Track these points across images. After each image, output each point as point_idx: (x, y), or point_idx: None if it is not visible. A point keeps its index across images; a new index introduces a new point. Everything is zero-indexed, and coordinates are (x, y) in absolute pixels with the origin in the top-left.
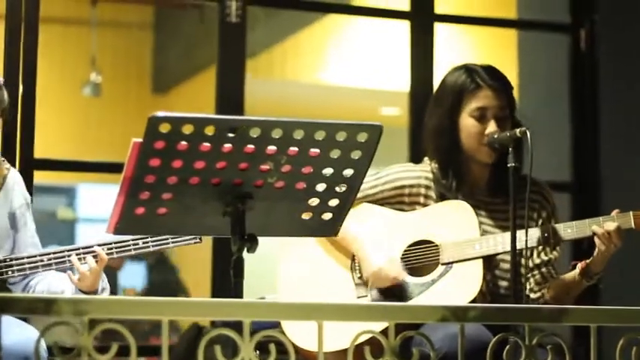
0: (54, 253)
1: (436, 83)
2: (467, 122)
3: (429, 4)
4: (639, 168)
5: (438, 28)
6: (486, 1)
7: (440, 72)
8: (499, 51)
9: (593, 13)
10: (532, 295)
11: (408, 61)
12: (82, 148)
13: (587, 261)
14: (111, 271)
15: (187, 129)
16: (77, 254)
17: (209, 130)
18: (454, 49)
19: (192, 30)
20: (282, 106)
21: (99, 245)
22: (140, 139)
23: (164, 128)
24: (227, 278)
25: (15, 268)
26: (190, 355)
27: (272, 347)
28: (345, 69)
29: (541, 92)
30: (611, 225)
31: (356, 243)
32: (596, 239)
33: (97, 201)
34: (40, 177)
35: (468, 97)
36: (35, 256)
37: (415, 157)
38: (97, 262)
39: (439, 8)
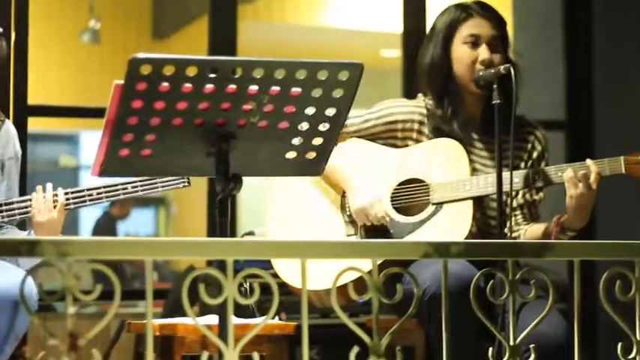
0: (21, 200)
1: (429, 25)
2: (459, 50)
3: None
4: (633, 107)
5: None
6: None
7: (432, 13)
8: None
9: None
10: (509, 234)
11: (400, 2)
12: (82, 95)
13: (564, 215)
14: (118, 218)
15: (168, 70)
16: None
17: (190, 71)
18: None
19: None
20: (282, 49)
21: (87, 189)
22: (121, 81)
23: (145, 70)
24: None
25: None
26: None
27: (255, 286)
28: (345, 11)
29: (535, 32)
30: (588, 169)
31: (345, 180)
32: (566, 183)
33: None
34: (42, 124)
35: (460, 26)
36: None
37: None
38: (55, 206)
39: None
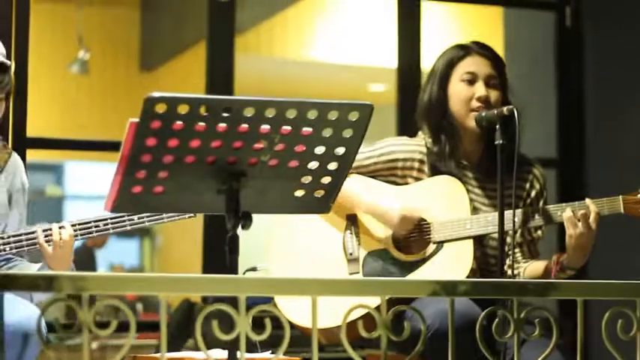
0: (26, 233)
1: (423, 60)
2: (456, 87)
3: None
4: (624, 144)
5: (425, 5)
6: None
7: (426, 49)
8: (485, 28)
9: None
10: (509, 272)
11: (395, 38)
12: (69, 126)
13: (563, 254)
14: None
15: (183, 109)
16: (45, 234)
17: (204, 110)
18: (440, 27)
19: (180, 7)
20: (270, 82)
21: (95, 221)
22: (137, 119)
23: (160, 108)
24: (218, 253)
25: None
26: (182, 330)
27: (267, 322)
28: (332, 46)
29: (527, 69)
30: (588, 209)
31: (364, 202)
32: (565, 223)
33: (84, 178)
34: (29, 155)
35: (458, 64)
36: (6, 237)
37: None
38: (60, 238)
39: None
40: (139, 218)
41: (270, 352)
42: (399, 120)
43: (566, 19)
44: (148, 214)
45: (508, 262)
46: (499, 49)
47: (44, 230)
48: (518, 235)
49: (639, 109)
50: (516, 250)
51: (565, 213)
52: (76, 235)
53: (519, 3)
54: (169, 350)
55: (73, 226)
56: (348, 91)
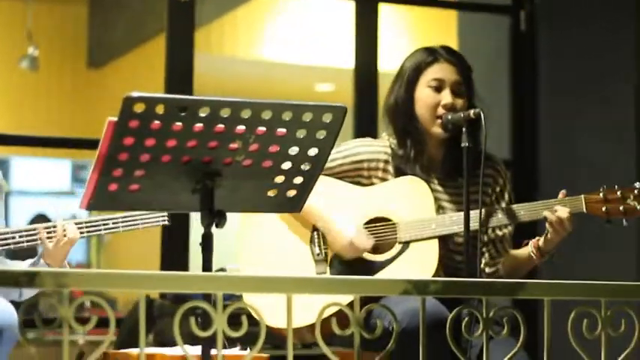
0: (25, 230)
1: (380, 62)
2: (423, 93)
3: None
4: (577, 146)
5: (382, 7)
6: None
7: (382, 51)
8: (439, 31)
9: None
10: (487, 270)
11: (352, 39)
12: (17, 122)
13: (540, 240)
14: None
15: (160, 108)
16: (47, 231)
17: (182, 110)
18: (395, 29)
19: (129, 5)
20: (219, 80)
21: (75, 223)
22: (115, 118)
23: (139, 108)
24: (175, 252)
25: None
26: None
27: (244, 319)
28: (281, 45)
29: (481, 72)
30: (563, 212)
31: (323, 218)
32: (547, 225)
33: (30, 174)
34: None
35: (426, 69)
36: (7, 233)
37: (361, 134)
38: (65, 236)
39: None
40: (113, 223)
41: (238, 348)
42: (356, 121)
43: (521, 24)
44: (122, 219)
45: (483, 260)
46: None
47: (46, 227)
48: (489, 233)
49: (591, 111)
50: (485, 249)
51: (548, 216)
52: (82, 233)
53: (474, 7)
54: (129, 347)
55: (79, 224)
56: (296, 91)
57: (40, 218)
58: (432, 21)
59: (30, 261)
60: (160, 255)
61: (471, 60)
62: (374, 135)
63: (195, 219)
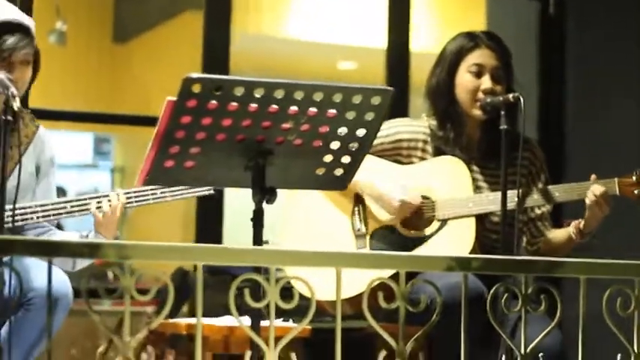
0: (76, 200)
1: (412, 43)
2: (464, 78)
3: None
4: (603, 129)
5: None
6: None
7: (416, 29)
8: (468, 15)
9: None
10: (529, 248)
11: (384, 20)
12: (44, 96)
13: (581, 222)
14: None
15: (218, 89)
16: (97, 201)
17: (238, 91)
18: (425, 10)
19: None
20: (243, 57)
21: (125, 193)
22: (174, 98)
23: (196, 88)
24: (209, 225)
25: (40, 214)
26: (177, 297)
27: (295, 292)
28: (305, 23)
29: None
30: (598, 190)
31: (370, 185)
32: (587, 206)
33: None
34: None
35: (467, 55)
36: (60, 202)
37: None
38: (112, 205)
39: None
40: (161, 192)
41: (282, 319)
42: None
43: (550, 8)
44: (169, 188)
45: (524, 238)
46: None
47: (92, 198)
48: (529, 211)
49: (618, 96)
50: (524, 228)
51: (589, 196)
52: (130, 202)
53: None
54: (169, 316)
55: (127, 194)
56: (318, 68)
57: (58, 192)
58: (462, 3)
59: (78, 233)
60: (195, 227)
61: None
62: (405, 113)
63: (229, 192)
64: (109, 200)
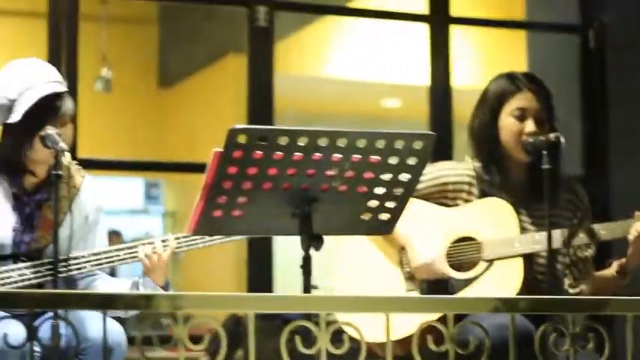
0: (127, 247)
1: (453, 80)
2: (507, 121)
3: (445, 7)
4: None
5: (453, 27)
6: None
7: (457, 68)
8: (509, 50)
9: (602, 13)
10: (571, 290)
11: (426, 59)
12: (90, 143)
13: (623, 260)
14: None
15: (262, 139)
16: (145, 247)
17: (282, 141)
18: (466, 48)
19: (201, 25)
20: (288, 98)
21: (175, 238)
22: (220, 149)
23: (242, 139)
24: (260, 273)
25: (94, 262)
26: (231, 343)
27: (345, 337)
28: (349, 63)
29: (551, 88)
30: None
31: (404, 237)
32: (630, 244)
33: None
34: None
35: (509, 99)
36: (111, 250)
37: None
38: (163, 252)
39: (453, 11)
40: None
41: None
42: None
43: (590, 42)
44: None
45: (567, 281)
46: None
47: (144, 244)
48: (567, 256)
49: None
50: (566, 271)
51: (633, 231)
52: (180, 247)
53: (543, 27)
54: None
55: (177, 239)
56: (363, 107)
57: (113, 235)
58: (503, 39)
59: (129, 279)
60: (246, 274)
61: (541, 78)
62: (449, 149)
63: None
64: (156, 246)
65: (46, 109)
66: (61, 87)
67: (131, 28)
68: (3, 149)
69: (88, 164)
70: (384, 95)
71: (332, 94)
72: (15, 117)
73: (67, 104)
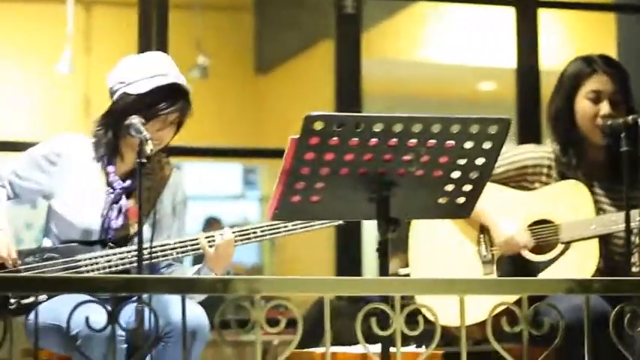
0: (190, 240)
1: (541, 64)
2: (582, 104)
3: None
4: None
5: (541, 10)
6: None
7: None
8: (598, 32)
9: None
10: (633, 269)
11: (514, 43)
12: (188, 130)
13: None
14: None
15: (338, 126)
16: (209, 237)
17: (358, 127)
18: (554, 33)
19: (295, 11)
20: (383, 83)
21: (252, 228)
22: (297, 136)
23: (318, 126)
24: (349, 253)
25: (179, 250)
26: (318, 326)
27: (420, 319)
28: (442, 47)
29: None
30: None
31: (485, 214)
32: None
33: (202, 178)
34: None
35: (584, 81)
36: (177, 242)
37: (524, 133)
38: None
39: None
40: (292, 225)
41: (414, 346)
42: (519, 120)
43: None
44: (300, 222)
45: (632, 259)
46: (612, 54)
47: (206, 237)
48: (637, 236)
49: None
50: (634, 250)
51: None
52: (236, 241)
53: (632, 8)
54: (308, 346)
55: (233, 233)
56: (459, 91)
57: (213, 222)
58: (591, 23)
59: (196, 267)
60: (334, 257)
61: (630, 61)
62: (537, 130)
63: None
64: (222, 235)
65: (164, 99)
66: (187, 88)
67: (226, 16)
68: (105, 125)
69: (186, 152)
70: (479, 79)
71: (427, 78)
72: (139, 88)
73: (183, 107)
